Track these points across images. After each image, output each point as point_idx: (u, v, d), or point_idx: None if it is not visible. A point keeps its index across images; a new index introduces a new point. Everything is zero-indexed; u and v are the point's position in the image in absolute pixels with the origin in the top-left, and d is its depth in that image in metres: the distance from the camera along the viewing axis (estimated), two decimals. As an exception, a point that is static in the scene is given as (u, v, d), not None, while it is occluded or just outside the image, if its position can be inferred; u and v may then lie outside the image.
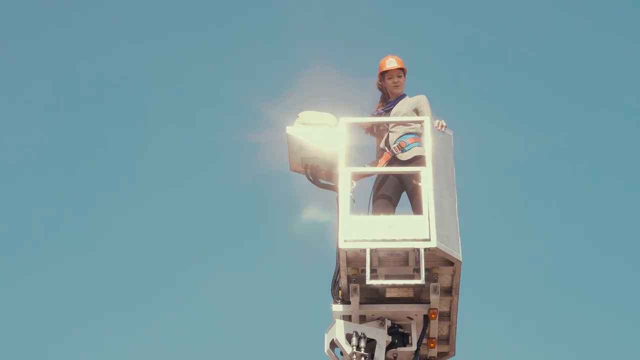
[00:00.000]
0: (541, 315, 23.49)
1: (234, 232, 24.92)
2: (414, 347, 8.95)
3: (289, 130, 9.52)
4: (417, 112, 9.88)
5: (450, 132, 9.47)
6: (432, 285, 8.83)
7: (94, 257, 24.06)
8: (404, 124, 9.76)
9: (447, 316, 9.29)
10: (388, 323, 9.02)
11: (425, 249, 8.59)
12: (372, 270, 8.78)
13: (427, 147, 9.20)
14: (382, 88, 10.17)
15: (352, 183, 9.59)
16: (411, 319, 9.07)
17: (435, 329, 9.18)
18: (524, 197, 24.41)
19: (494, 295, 23.59)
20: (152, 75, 25.52)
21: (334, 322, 8.94)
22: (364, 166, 9.86)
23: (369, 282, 8.57)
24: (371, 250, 8.61)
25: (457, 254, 8.73)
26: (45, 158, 25.13)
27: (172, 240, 24.46)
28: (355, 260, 8.74)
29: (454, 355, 9.70)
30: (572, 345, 22.87)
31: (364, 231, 8.69)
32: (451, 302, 9.13)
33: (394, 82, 10.06)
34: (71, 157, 25.15)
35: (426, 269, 8.75)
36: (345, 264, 8.77)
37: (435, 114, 9.74)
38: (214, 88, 24.76)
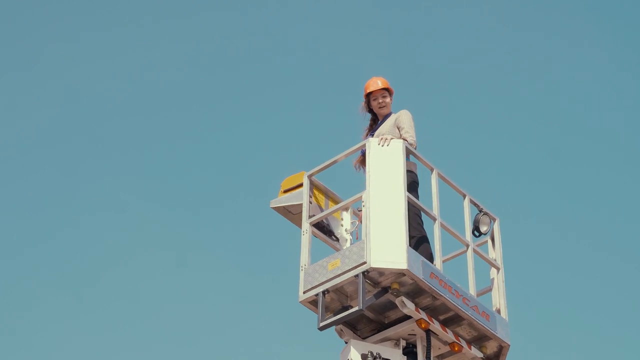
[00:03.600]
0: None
1: (252, 239, 25.25)
2: (421, 362, 8.92)
3: (271, 203, 10.04)
4: (398, 128, 9.90)
5: (398, 143, 9.35)
6: (397, 300, 8.81)
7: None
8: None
9: (458, 318, 9.10)
10: (403, 343, 9.10)
11: (364, 272, 8.67)
12: (348, 307, 9.02)
13: (367, 169, 9.27)
14: (369, 110, 10.31)
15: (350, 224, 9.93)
16: (414, 335, 9.05)
17: (444, 334, 9.03)
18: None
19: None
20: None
21: (349, 342, 9.09)
22: None
23: (320, 325, 8.80)
24: (323, 292, 8.88)
25: (400, 263, 8.65)
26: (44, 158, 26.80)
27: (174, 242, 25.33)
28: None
29: (509, 345, 9.37)
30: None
31: (318, 276, 8.97)
32: (440, 304, 8.96)
33: (379, 103, 10.16)
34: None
35: (388, 286, 8.83)
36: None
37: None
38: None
